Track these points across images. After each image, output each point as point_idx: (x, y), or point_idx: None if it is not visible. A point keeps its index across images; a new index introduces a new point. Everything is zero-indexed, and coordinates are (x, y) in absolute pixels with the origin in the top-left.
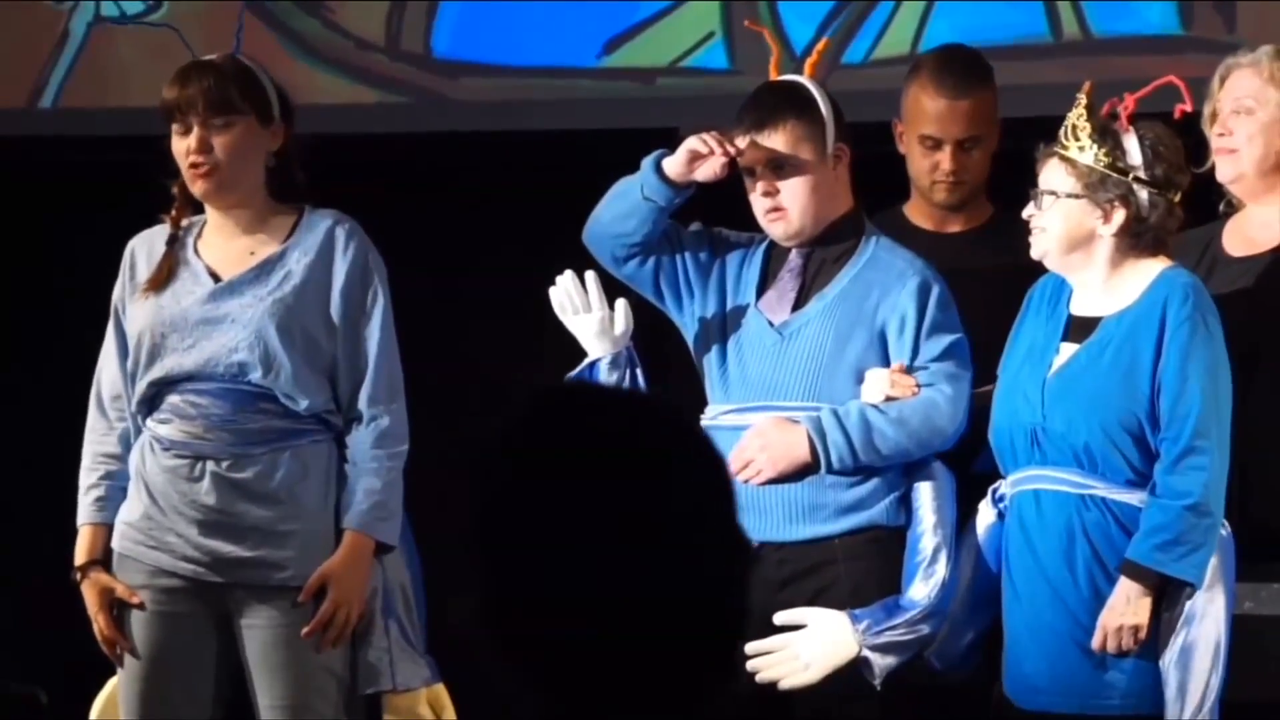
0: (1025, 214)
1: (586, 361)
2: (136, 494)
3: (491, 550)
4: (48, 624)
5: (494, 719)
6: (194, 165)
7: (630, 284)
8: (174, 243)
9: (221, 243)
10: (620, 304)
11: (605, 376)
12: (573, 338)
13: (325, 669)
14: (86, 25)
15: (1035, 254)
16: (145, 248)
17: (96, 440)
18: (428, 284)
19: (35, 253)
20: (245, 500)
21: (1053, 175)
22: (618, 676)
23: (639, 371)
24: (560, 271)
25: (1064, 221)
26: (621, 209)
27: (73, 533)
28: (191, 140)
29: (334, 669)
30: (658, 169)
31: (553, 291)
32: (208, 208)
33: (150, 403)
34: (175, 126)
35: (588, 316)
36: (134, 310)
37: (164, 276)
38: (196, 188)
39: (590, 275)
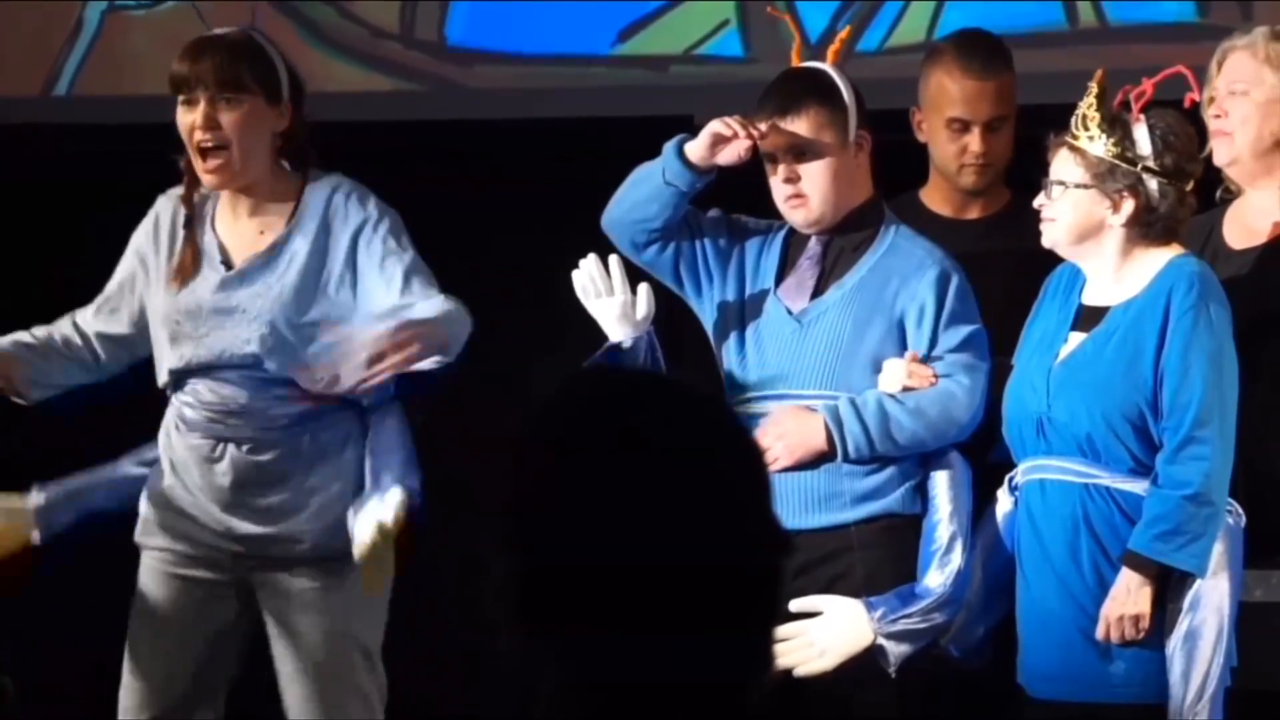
0: (1036, 203)
1: (607, 345)
2: (162, 470)
3: (521, 538)
4: (12, 611)
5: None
6: (200, 143)
7: (649, 270)
8: (189, 225)
9: (232, 221)
10: (642, 288)
11: (626, 361)
12: (594, 322)
13: (349, 636)
14: (101, 13)
15: (1046, 243)
16: (169, 214)
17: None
18: (443, 271)
19: (48, 240)
20: (264, 481)
21: (1062, 165)
22: (653, 667)
23: (660, 356)
24: (577, 258)
25: (1073, 211)
26: (642, 194)
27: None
28: (198, 116)
29: (359, 637)
30: (680, 153)
31: (575, 275)
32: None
33: (174, 384)
34: (182, 100)
35: (610, 300)
36: (155, 289)
37: (189, 266)
38: (206, 180)
39: (613, 259)
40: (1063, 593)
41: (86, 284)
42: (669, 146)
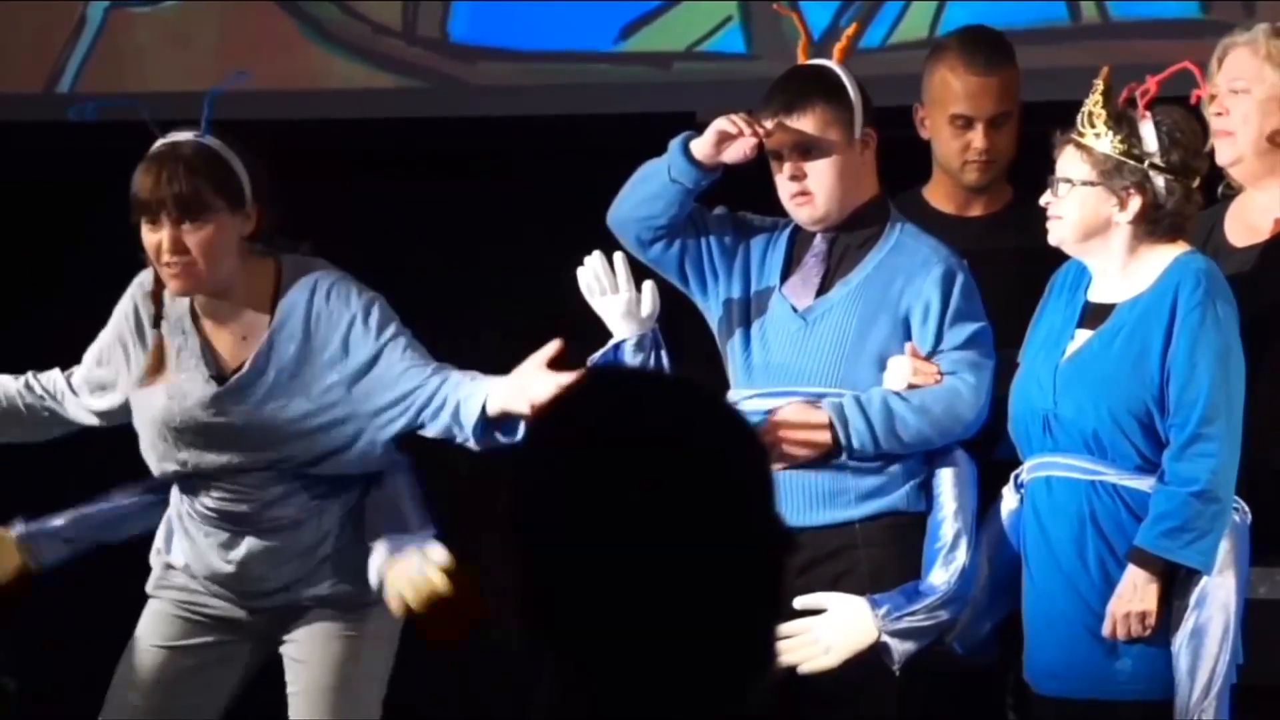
0: (1042, 201)
1: (612, 343)
2: (178, 540)
3: (524, 537)
4: (15, 612)
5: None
6: (166, 264)
7: (655, 267)
8: (158, 324)
9: (214, 326)
10: (647, 285)
11: (630, 358)
12: (597, 320)
13: (367, 668)
14: (103, 10)
15: (1052, 241)
16: (145, 307)
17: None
18: (446, 269)
19: (50, 237)
20: (280, 560)
21: (1069, 162)
22: (657, 665)
23: (664, 353)
24: (581, 256)
25: (1080, 209)
26: (648, 191)
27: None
28: (164, 240)
29: (375, 670)
30: (685, 151)
31: (580, 272)
32: None
33: (178, 481)
34: (145, 220)
35: (615, 298)
36: (135, 382)
37: (158, 366)
38: (171, 286)
39: (618, 256)
40: (1069, 589)
41: (88, 281)
42: (675, 144)
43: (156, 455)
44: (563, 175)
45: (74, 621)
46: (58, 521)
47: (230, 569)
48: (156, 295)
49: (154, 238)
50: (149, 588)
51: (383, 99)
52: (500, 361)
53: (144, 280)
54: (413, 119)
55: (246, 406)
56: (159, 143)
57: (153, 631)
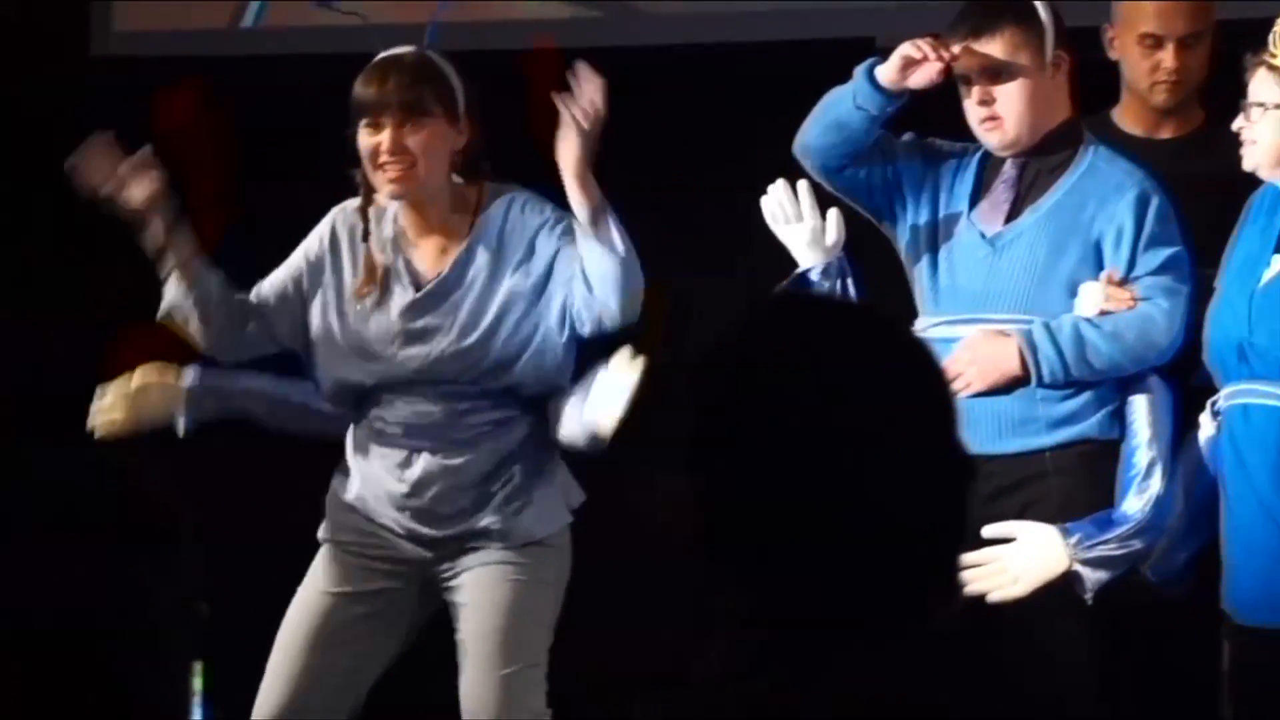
0: (1235, 126)
1: (797, 271)
2: (350, 473)
3: (708, 464)
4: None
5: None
6: (384, 166)
7: (841, 195)
8: (367, 237)
9: (416, 240)
10: (832, 213)
11: (816, 286)
12: (783, 249)
13: (535, 609)
14: None
15: (1247, 167)
16: (346, 229)
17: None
18: (626, 200)
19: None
20: (453, 486)
21: (1261, 85)
22: (836, 593)
23: (850, 281)
24: (764, 185)
25: (1274, 133)
26: (833, 119)
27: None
28: (385, 140)
29: (543, 612)
30: (871, 77)
31: (764, 201)
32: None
33: (360, 400)
34: (364, 123)
35: (799, 226)
36: (327, 304)
37: (372, 283)
38: (386, 190)
39: (802, 184)
40: (1267, 518)
41: (277, 214)
42: (860, 70)
43: (344, 371)
44: (746, 104)
45: (268, 548)
46: (228, 383)
47: (405, 489)
48: (364, 211)
49: (373, 140)
50: (321, 534)
51: (558, 28)
52: (684, 289)
53: (345, 205)
54: (588, 48)
55: (440, 313)
56: (381, 54)
57: (322, 577)
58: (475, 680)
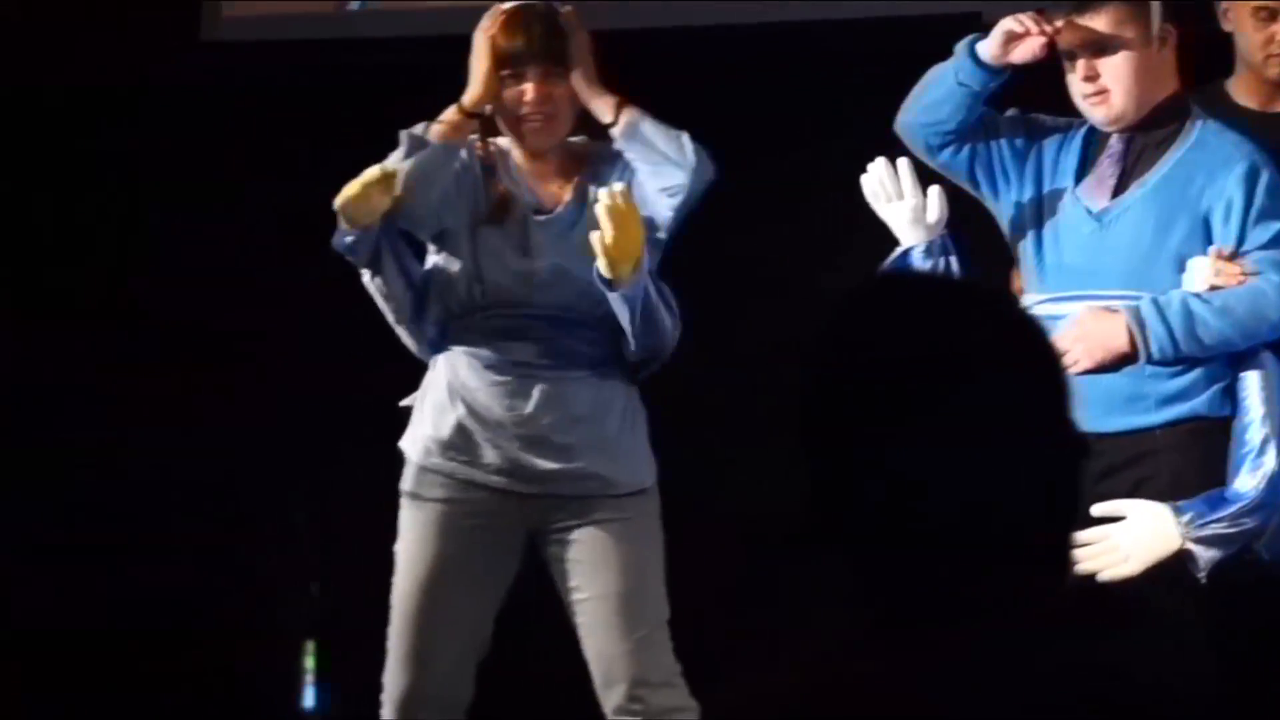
0: None
1: (900, 250)
2: (448, 408)
3: (820, 447)
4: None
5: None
6: (528, 117)
7: (944, 172)
8: (491, 174)
9: (533, 177)
10: (934, 191)
11: (919, 264)
12: (884, 227)
13: (649, 564)
14: None
15: None
16: (465, 161)
17: None
18: (729, 177)
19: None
20: (566, 417)
21: None
22: (947, 574)
23: (953, 259)
24: (866, 162)
25: None
26: (935, 96)
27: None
28: (529, 90)
29: (655, 565)
30: (972, 53)
31: (864, 179)
32: (513, 146)
33: (472, 325)
34: (506, 73)
35: (901, 204)
36: (455, 228)
37: (503, 209)
38: (530, 140)
39: (903, 162)
40: None
41: None
42: (961, 46)
43: (463, 294)
44: (845, 80)
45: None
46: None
47: (518, 416)
48: (484, 147)
49: (515, 90)
50: (407, 486)
51: (681, 7)
52: (784, 269)
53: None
54: (709, 26)
55: (563, 240)
56: (512, 5)
57: (423, 537)
58: (609, 644)
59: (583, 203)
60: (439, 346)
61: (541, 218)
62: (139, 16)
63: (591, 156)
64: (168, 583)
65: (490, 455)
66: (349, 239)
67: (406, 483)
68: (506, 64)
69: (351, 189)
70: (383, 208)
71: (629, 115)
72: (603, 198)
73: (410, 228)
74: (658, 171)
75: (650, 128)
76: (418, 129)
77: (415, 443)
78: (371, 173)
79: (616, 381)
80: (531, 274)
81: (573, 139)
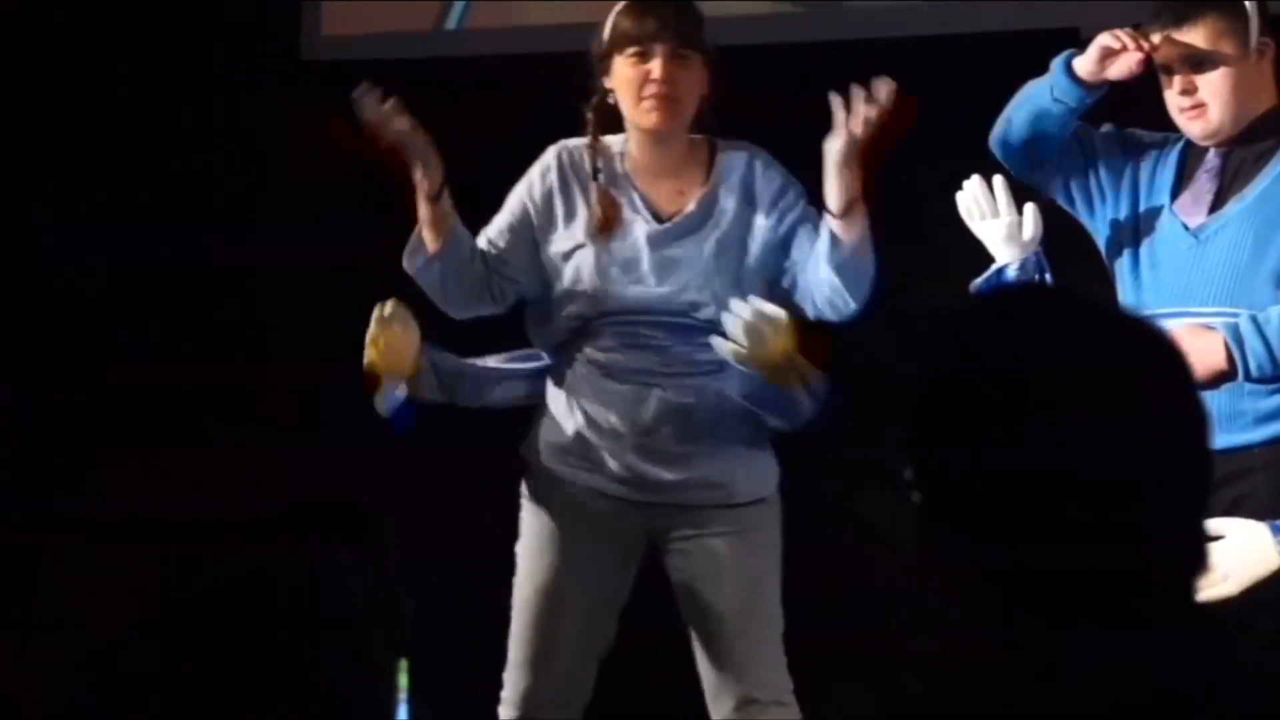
0: None
1: (994, 268)
2: (567, 415)
3: (932, 466)
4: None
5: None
6: (654, 96)
7: (1038, 189)
8: (597, 176)
9: (652, 179)
10: (1029, 208)
11: (1014, 283)
12: (979, 244)
13: (767, 578)
14: None
15: None
16: (569, 164)
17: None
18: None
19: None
20: (686, 425)
21: None
22: (1062, 584)
23: (1048, 277)
24: (961, 180)
25: None
26: (1030, 112)
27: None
28: (656, 68)
29: (773, 580)
30: (1068, 69)
31: (959, 196)
32: (631, 139)
33: (590, 332)
34: (630, 53)
35: (996, 222)
36: (557, 236)
37: (613, 216)
38: (649, 119)
39: (998, 179)
40: None
41: (478, 213)
42: (1057, 62)
43: (580, 305)
44: (941, 96)
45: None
46: (453, 365)
47: (639, 427)
48: (593, 149)
49: (638, 70)
50: (528, 491)
51: (761, 24)
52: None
53: (565, 144)
54: (791, 44)
55: (688, 245)
56: None
57: (545, 542)
58: (718, 658)
59: (713, 206)
60: (558, 354)
61: (658, 227)
62: (240, 36)
63: (717, 162)
64: (257, 599)
65: (610, 464)
66: (400, 400)
67: (528, 487)
68: (633, 43)
69: (370, 353)
70: (410, 346)
71: (853, 219)
72: (741, 312)
73: (523, 294)
74: (818, 282)
75: (861, 243)
76: (410, 242)
77: (537, 448)
78: (371, 332)
79: (736, 385)
80: (645, 280)
81: (694, 135)
